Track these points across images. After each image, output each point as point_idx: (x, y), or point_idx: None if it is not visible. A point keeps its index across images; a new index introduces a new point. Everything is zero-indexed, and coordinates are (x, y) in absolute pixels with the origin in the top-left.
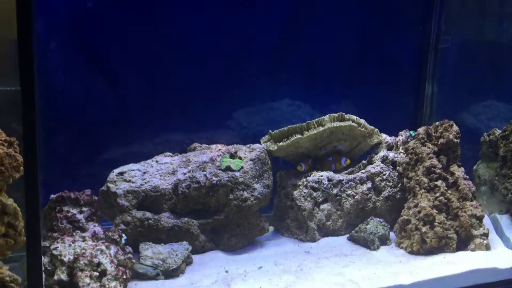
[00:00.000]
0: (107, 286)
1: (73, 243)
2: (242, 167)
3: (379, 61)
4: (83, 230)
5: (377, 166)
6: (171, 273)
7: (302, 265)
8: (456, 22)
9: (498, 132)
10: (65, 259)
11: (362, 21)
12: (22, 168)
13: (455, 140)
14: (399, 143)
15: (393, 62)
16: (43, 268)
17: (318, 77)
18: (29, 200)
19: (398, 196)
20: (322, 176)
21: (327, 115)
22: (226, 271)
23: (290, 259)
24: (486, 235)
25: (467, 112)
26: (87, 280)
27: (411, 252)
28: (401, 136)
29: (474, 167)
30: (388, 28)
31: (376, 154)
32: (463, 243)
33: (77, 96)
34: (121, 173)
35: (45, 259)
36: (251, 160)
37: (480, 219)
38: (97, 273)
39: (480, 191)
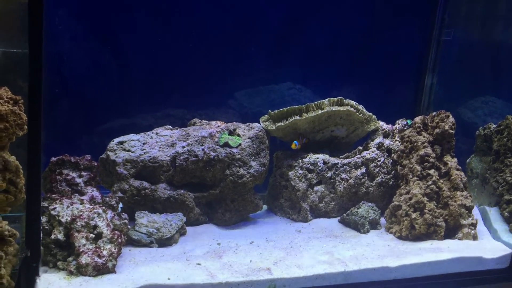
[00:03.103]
0: (102, 248)
1: (71, 205)
2: (240, 144)
3: (382, 50)
4: (82, 193)
5: (372, 152)
6: (165, 242)
7: (292, 242)
8: (460, 16)
9: (493, 126)
10: (63, 220)
11: (366, 10)
12: (26, 126)
13: (450, 131)
14: (395, 131)
15: (395, 51)
16: (41, 227)
17: (320, 63)
18: (31, 158)
19: (391, 182)
20: (317, 158)
21: (327, 99)
22: (218, 244)
23: (281, 236)
24: (474, 225)
25: (464, 106)
26: (83, 241)
27: (400, 237)
28: (398, 124)
29: (468, 160)
30: (392, 18)
31: (372, 140)
32: (452, 231)
33: (83, 65)
34: (121, 142)
35: (43, 219)
36: (249, 138)
37: (469, 209)
38: (93, 235)
39: (472, 184)
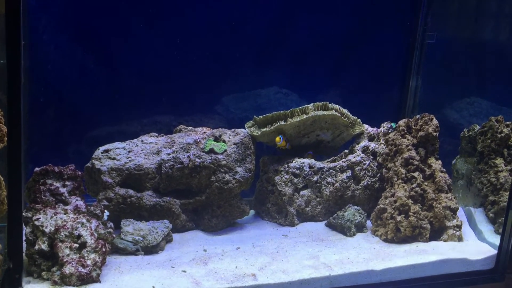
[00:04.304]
0: (86, 257)
1: (55, 215)
2: (225, 151)
3: (366, 54)
4: (66, 203)
5: (358, 155)
6: (151, 249)
7: (279, 247)
8: (442, 18)
9: (477, 128)
10: (46, 230)
11: (350, 14)
12: (6, 138)
13: (434, 134)
14: (380, 134)
15: (379, 55)
16: (24, 238)
17: (305, 67)
18: (11, 170)
19: (377, 185)
20: (303, 163)
21: (311, 104)
22: (205, 250)
23: (268, 241)
24: (459, 226)
25: (450, 107)
26: (67, 251)
27: (386, 240)
28: (383, 127)
29: (453, 162)
30: (376, 21)
31: (358, 144)
32: (437, 233)
33: (68, 74)
34: (106, 151)
35: (27, 229)
36: (234, 144)
37: (454, 211)
38: (77, 245)
39: (457, 185)
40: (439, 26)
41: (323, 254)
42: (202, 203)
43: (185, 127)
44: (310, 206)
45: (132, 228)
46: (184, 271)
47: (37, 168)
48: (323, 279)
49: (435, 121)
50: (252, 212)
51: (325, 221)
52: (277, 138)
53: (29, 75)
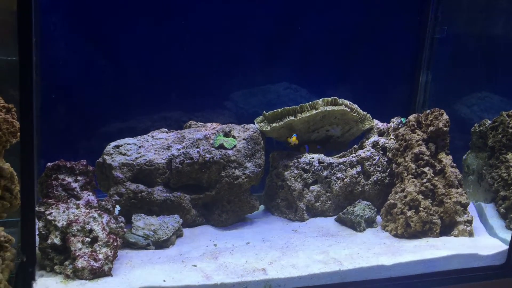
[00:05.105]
0: (98, 251)
1: (67, 209)
2: (235, 146)
3: (376, 49)
4: (78, 198)
5: (368, 151)
6: (162, 244)
7: (288, 242)
8: (453, 13)
9: (488, 123)
10: (59, 224)
11: (359, 9)
12: (18, 133)
13: (445, 129)
14: (390, 129)
15: (389, 50)
16: (37, 232)
17: (315, 62)
18: (24, 165)
19: (387, 181)
20: (313, 158)
21: (321, 99)
22: (215, 245)
23: (277, 236)
24: (470, 222)
25: (460, 102)
26: (79, 245)
27: (396, 235)
28: (393, 122)
29: (464, 157)
30: (385, 16)
31: (367, 139)
32: (447, 228)
33: (79, 70)
34: (117, 146)
35: (39, 224)
36: (244, 139)
37: (464, 206)
38: (89, 239)
39: (468, 180)
40: (450, 21)
41: (333, 249)
42: (212, 198)
43: (195, 122)
44: (320, 201)
45: (143, 223)
46: (195, 266)
47: (49, 164)
48: (333, 274)
49: (445, 116)
50: (262, 207)
51: (335, 216)
52: (294, 138)
53: (40, 72)
